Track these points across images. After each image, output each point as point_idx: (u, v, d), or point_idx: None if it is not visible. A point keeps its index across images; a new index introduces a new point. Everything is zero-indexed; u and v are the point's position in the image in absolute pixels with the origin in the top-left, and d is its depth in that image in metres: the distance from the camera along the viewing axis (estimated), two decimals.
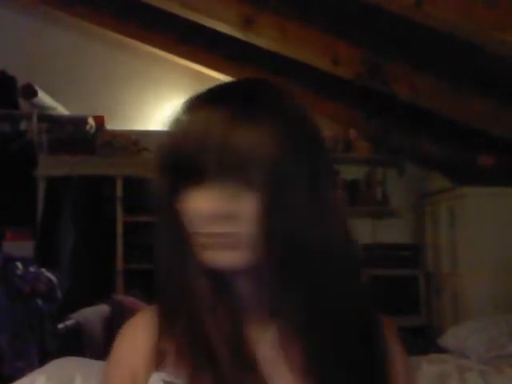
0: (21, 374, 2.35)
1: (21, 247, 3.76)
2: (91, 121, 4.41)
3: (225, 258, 0.74)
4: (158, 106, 4.72)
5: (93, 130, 4.40)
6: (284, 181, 0.73)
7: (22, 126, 4.36)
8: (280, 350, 0.78)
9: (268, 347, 0.79)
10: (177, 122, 0.78)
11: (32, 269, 2.89)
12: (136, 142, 4.37)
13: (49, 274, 2.96)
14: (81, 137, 4.31)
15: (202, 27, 3.50)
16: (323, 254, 0.76)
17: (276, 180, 0.72)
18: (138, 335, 0.84)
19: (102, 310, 3.34)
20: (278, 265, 0.74)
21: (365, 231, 4.74)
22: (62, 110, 4.52)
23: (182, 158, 0.74)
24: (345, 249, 0.79)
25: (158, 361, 0.80)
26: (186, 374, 0.76)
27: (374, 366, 0.78)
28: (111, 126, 4.53)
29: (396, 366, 0.82)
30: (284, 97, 0.79)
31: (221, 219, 0.72)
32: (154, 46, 4.46)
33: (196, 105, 0.78)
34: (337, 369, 0.76)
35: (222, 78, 4.36)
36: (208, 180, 0.73)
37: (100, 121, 4.47)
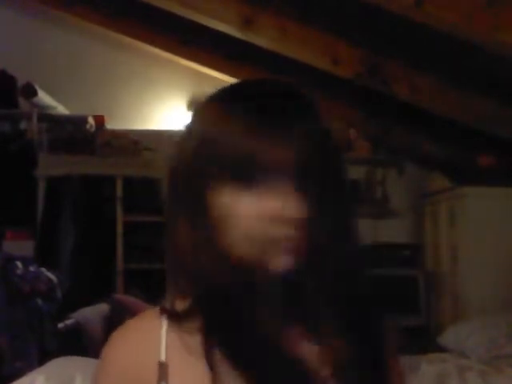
0: (20, 373, 2.35)
1: (21, 247, 3.76)
2: (91, 120, 4.41)
3: (280, 263, 0.73)
4: (158, 106, 4.72)
5: (93, 130, 4.40)
6: (327, 188, 0.75)
7: (22, 125, 4.36)
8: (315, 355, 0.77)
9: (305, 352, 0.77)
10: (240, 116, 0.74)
11: (32, 268, 2.89)
12: (136, 141, 4.37)
13: (49, 274, 2.97)
14: (81, 136, 4.31)
15: (203, 27, 3.50)
16: (353, 265, 0.78)
17: (322, 187, 0.74)
18: (143, 341, 0.79)
19: (101, 309, 3.34)
20: (319, 271, 0.75)
21: (365, 231, 4.73)
22: (61, 109, 4.52)
23: (251, 155, 0.72)
24: (364, 258, 0.82)
25: (161, 373, 0.76)
26: None
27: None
28: (111, 125, 4.53)
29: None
30: (315, 104, 0.79)
31: (293, 223, 0.72)
32: (155, 46, 4.46)
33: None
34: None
35: (223, 78, 4.36)
36: (272, 183, 0.72)
37: (100, 120, 4.47)
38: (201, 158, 0.75)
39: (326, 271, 0.75)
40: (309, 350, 0.77)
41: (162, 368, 0.75)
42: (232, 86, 0.81)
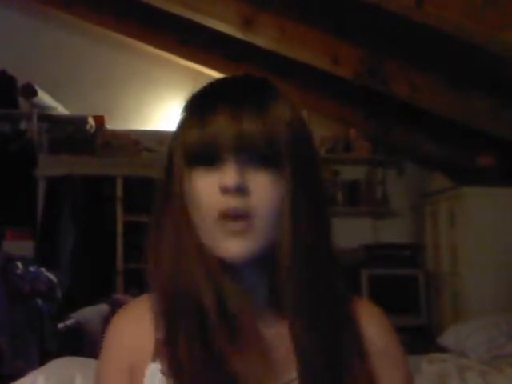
0: (21, 373, 2.35)
1: (21, 247, 3.76)
2: (91, 121, 4.41)
3: (237, 248, 0.76)
4: (158, 106, 4.72)
5: (93, 130, 4.40)
6: (299, 168, 0.79)
7: (22, 125, 4.36)
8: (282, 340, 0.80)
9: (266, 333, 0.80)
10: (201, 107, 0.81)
11: (32, 268, 2.89)
12: (136, 141, 4.37)
13: (49, 274, 2.96)
14: (81, 137, 4.31)
15: (202, 27, 3.50)
16: (320, 248, 0.81)
17: (294, 166, 0.78)
18: (133, 327, 0.83)
19: (101, 309, 3.34)
20: (285, 256, 0.78)
21: (365, 231, 4.74)
22: (61, 109, 4.52)
23: (204, 143, 0.78)
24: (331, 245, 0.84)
25: (154, 352, 0.80)
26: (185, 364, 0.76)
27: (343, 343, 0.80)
28: (111, 125, 4.53)
29: (376, 345, 0.84)
30: (284, 94, 0.84)
31: (237, 194, 0.76)
32: (154, 46, 4.46)
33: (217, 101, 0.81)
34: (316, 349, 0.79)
35: None
36: (225, 162, 0.77)
37: (100, 121, 4.47)
38: (171, 150, 0.82)
39: (288, 257, 0.78)
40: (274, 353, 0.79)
41: (158, 345, 0.80)
42: (210, 82, 0.87)
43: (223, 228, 0.76)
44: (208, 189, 0.77)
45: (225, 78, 0.88)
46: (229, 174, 0.76)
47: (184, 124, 0.82)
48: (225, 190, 0.76)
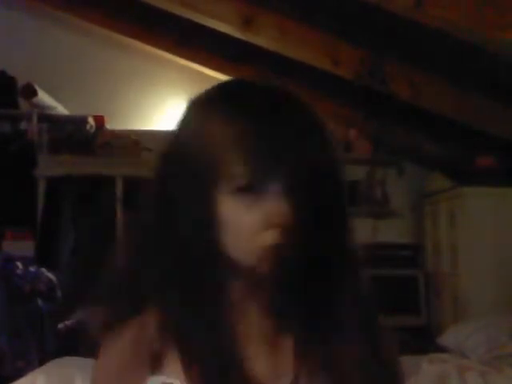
0: (21, 373, 2.35)
1: (21, 247, 3.76)
2: (91, 121, 4.41)
3: (271, 267, 0.76)
4: (158, 106, 4.72)
5: (93, 130, 4.40)
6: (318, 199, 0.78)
7: (22, 126, 4.36)
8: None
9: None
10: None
11: (32, 268, 2.90)
12: (136, 141, 4.37)
13: (49, 274, 2.97)
14: (81, 137, 4.31)
15: (202, 27, 3.50)
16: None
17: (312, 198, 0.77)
18: (138, 333, 0.81)
19: (101, 309, 3.34)
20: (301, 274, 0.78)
21: (365, 231, 4.74)
22: (61, 109, 4.52)
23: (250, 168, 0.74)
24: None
25: (154, 364, 0.79)
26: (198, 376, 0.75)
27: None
28: (111, 125, 4.53)
29: None
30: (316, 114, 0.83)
31: (282, 231, 0.75)
32: (154, 46, 4.46)
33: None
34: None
35: (223, 78, 4.36)
36: (271, 196, 0.75)
37: (100, 121, 4.46)
38: (200, 165, 0.77)
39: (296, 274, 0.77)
40: (266, 363, 0.79)
41: (156, 358, 0.79)
42: (227, 87, 0.83)
43: (259, 252, 0.76)
44: (249, 218, 0.75)
45: (255, 89, 0.82)
46: (277, 211, 0.75)
47: (220, 148, 0.76)
48: (271, 226, 0.75)
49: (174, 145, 0.82)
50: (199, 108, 0.81)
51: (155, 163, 0.84)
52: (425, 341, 4.00)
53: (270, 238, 0.74)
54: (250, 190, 0.75)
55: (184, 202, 0.78)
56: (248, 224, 0.75)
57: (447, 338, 3.21)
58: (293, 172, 0.74)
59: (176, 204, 0.79)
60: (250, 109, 0.77)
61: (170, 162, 0.81)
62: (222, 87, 0.83)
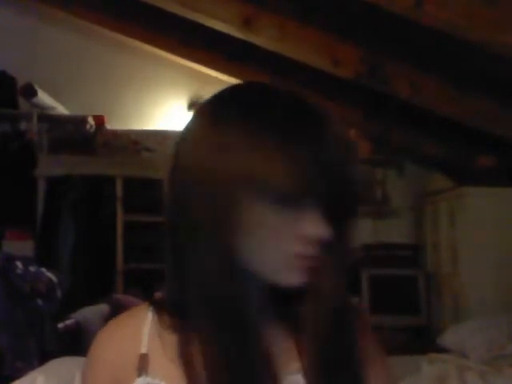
0: (21, 373, 2.35)
1: (21, 247, 3.76)
2: (91, 120, 4.41)
3: (299, 279, 0.76)
4: (158, 106, 4.72)
5: (93, 130, 4.40)
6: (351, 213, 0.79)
7: (22, 126, 4.36)
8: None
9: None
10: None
11: (32, 268, 2.89)
12: (136, 141, 4.37)
13: (49, 274, 2.96)
14: (81, 137, 4.31)
15: (202, 27, 3.50)
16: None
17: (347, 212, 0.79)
18: (126, 336, 0.82)
19: (101, 309, 3.34)
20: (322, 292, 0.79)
21: (365, 231, 4.74)
22: (61, 109, 4.52)
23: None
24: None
25: (141, 365, 0.79)
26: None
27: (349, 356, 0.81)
28: (111, 125, 4.53)
29: (375, 366, 0.84)
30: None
31: (316, 245, 0.75)
32: (154, 45, 4.45)
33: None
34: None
35: (223, 78, 4.36)
36: (307, 208, 0.75)
37: (100, 121, 4.47)
38: (228, 173, 0.73)
39: (328, 293, 0.79)
40: (279, 349, 0.79)
41: (143, 360, 0.79)
42: (249, 95, 0.79)
43: (290, 263, 0.76)
44: (283, 228, 0.74)
45: (282, 97, 0.78)
46: (314, 224, 0.74)
47: (258, 159, 0.72)
48: (305, 239, 0.75)
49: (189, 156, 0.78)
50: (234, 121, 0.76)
51: (171, 177, 0.79)
52: (425, 341, 4.00)
53: (304, 248, 0.75)
54: (289, 201, 0.73)
55: (210, 215, 0.75)
56: (284, 235, 0.74)
57: (447, 338, 3.21)
58: (334, 186, 0.74)
59: (202, 220, 0.76)
60: (284, 119, 0.74)
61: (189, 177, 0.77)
62: (242, 95, 0.79)
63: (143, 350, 0.80)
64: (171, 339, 0.79)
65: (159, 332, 0.80)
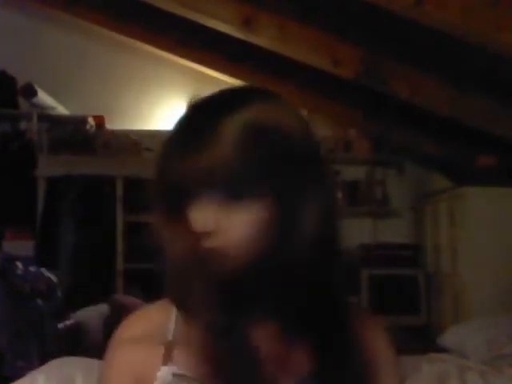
0: (21, 373, 2.35)
1: (21, 247, 3.76)
2: (91, 121, 4.41)
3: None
4: (158, 106, 4.72)
5: (93, 130, 4.40)
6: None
7: (22, 126, 4.37)
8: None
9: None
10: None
11: (32, 268, 2.89)
12: (136, 142, 4.37)
13: (49, 274, 2.97)
14: (81, 137, 4.31)
15: (203, 27, 3.50)
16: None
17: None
18: (146, 331, 0.83)
19: (101, 309, 3.34)
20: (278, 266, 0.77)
21: (365, 231, 4.74)
22: (61, 109, 4.52)
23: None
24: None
25: (166, 355, 0.80)
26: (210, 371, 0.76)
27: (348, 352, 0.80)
28: (111, 125, 4.53)
29: (378, 359, 0.84)
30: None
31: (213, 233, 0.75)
32: (154, 45, 4.45)
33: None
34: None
35: (223, 78, 4.36)
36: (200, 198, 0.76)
37: (100, 121, 4.47)
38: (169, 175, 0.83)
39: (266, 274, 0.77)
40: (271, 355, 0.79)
41: (169, 347, 0.80)
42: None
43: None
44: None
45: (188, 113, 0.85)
46: (199, 217, 0.75)
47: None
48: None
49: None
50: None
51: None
52: (425, 341, 4.00)
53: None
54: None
55: None
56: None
57: (447, 338, 3.21)
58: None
59: None
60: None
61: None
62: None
63: (169, 337, 0.81)
64: (194, 334, 0.79)
65: (183, 325, 0.81)
